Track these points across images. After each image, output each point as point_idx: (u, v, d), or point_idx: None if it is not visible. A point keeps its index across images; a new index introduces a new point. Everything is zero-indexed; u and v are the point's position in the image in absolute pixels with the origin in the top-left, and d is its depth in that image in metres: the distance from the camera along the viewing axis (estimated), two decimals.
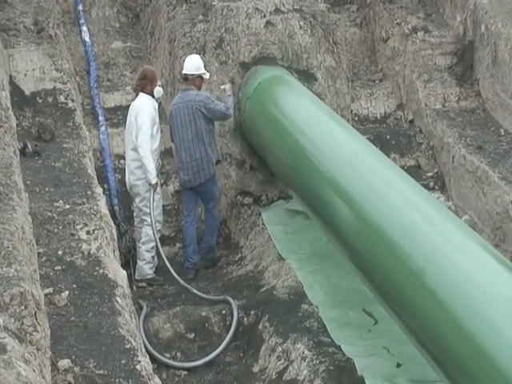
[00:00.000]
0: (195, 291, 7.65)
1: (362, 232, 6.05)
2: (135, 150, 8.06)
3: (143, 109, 8.03)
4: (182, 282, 7.74)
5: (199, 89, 8.22)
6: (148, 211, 8.00)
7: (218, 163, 8.45)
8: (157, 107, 8.26)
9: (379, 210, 5.93)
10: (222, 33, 8.91)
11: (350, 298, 6.99)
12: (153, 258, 8.17)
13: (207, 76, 8.29)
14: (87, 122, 9.17)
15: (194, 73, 8.13)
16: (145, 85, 8.16)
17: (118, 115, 9.52)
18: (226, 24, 8.92)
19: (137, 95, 8.26)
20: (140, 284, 8.11)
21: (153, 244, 8.08)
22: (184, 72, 8.20)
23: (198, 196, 8.33)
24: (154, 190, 8.00)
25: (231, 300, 7.27)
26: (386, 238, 5.69)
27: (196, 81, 8.18)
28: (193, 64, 8.15)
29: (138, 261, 8.15)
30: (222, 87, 8.62)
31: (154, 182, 7.97)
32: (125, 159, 8.43)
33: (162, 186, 8.56)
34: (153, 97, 8.18)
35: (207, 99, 8.11)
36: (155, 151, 8.07)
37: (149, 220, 8.01)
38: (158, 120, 8.20)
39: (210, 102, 8.10)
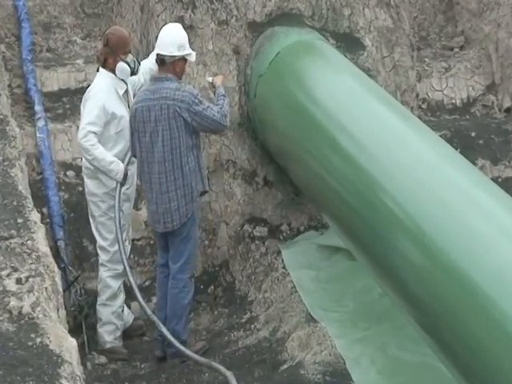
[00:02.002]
0: (171, 339, 7.63)
1: (433, 278, 6.04)
2: None
3: (96, 93, 8.03)
4: (152, 316, 7.78)
5: (180, 78, 7.99)
6: (102, 243, 8.15)
7: (204, 194, 8.18)
8: (124, 90, 8.24)
9: (460, 246, 5.92)
10: None
11: (417, 379, 6.99)
12: (113, 314, 8.19)
13: (193, 58, 8.03)
14: (17, 114, 9.22)
15: (174, 54, 7.85)
16: (109, 55, 8.15)
17: (64, 103, 9.59)
18: None
19: (98, 70, 8.28)
20: (98, 360, 8.14)
21: (110, 292, 8.14)
22: (158, 52, 7.90)
23: None
24: (122, 185, 8.01)
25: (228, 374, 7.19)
26: (470, 286, 5.68)
27: (177, 65, 7.89)
28: (172, 39, 7.86)
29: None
30: (210, 79, 8.48)
31: (119, 177, 7.96)
32: (73, 170, 8.47)
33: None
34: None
35: (193, 98, 7.76)
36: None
37: (102, 257, 8.14)
38: (124, 111, 8.18)
39: (197, 102, 7.75)
